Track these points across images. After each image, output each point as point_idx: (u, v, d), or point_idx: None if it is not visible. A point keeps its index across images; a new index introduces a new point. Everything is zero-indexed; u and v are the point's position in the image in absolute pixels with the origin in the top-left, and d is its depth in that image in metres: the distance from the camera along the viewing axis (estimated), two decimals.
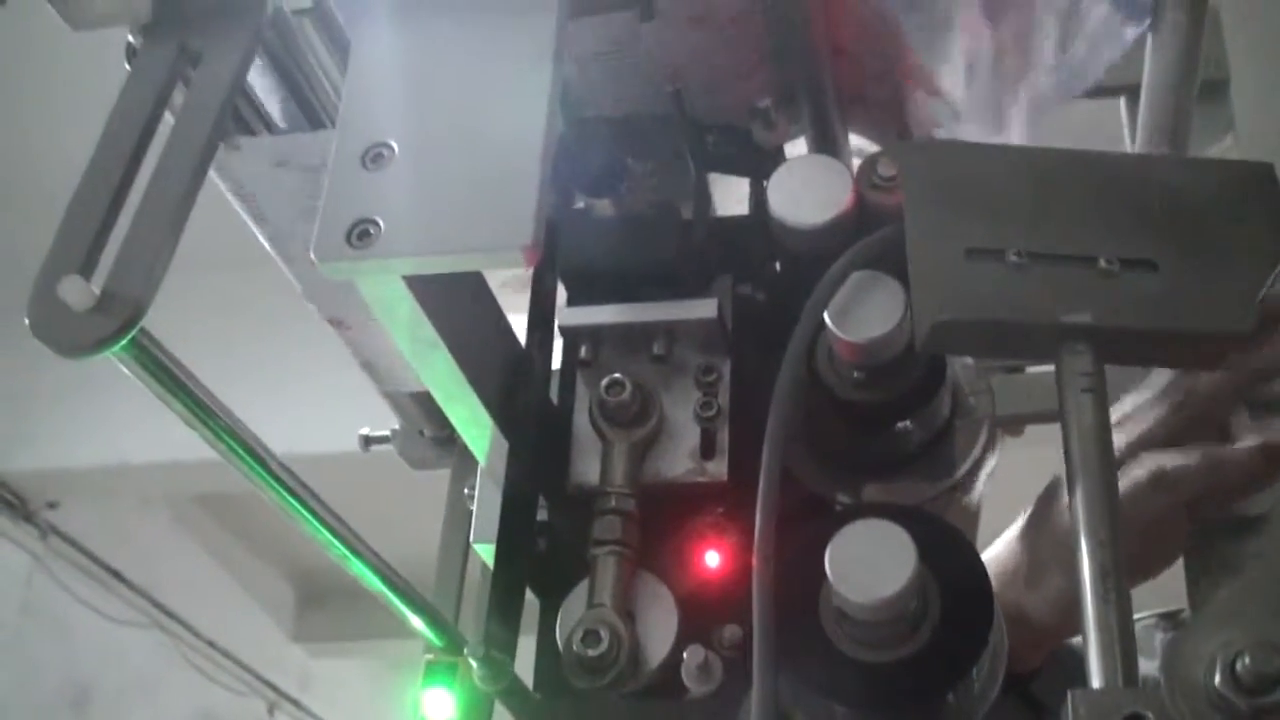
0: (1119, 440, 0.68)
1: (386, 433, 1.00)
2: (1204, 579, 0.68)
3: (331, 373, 0.95)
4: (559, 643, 0.62)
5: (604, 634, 0.59)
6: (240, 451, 0.63)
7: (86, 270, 0.55)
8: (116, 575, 3.73)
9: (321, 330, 0.86)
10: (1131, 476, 0.67)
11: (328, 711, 4.67)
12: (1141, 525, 0.65)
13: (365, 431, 1.01)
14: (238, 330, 2.83)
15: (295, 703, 4.53)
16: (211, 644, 4.08)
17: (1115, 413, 0.71)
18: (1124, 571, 0.49)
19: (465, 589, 0.98)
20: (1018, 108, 0.73)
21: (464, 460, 0.94)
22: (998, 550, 0.72)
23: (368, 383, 0.91)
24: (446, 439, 0.97)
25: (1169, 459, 0.67)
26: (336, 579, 4.35)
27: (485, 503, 0.74)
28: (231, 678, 4.20)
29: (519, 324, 0.70)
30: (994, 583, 0.69)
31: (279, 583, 4.48)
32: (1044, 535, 0.73)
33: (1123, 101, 0.95)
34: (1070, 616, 0.61)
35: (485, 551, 0.75)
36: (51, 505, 3.50)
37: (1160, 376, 0.70)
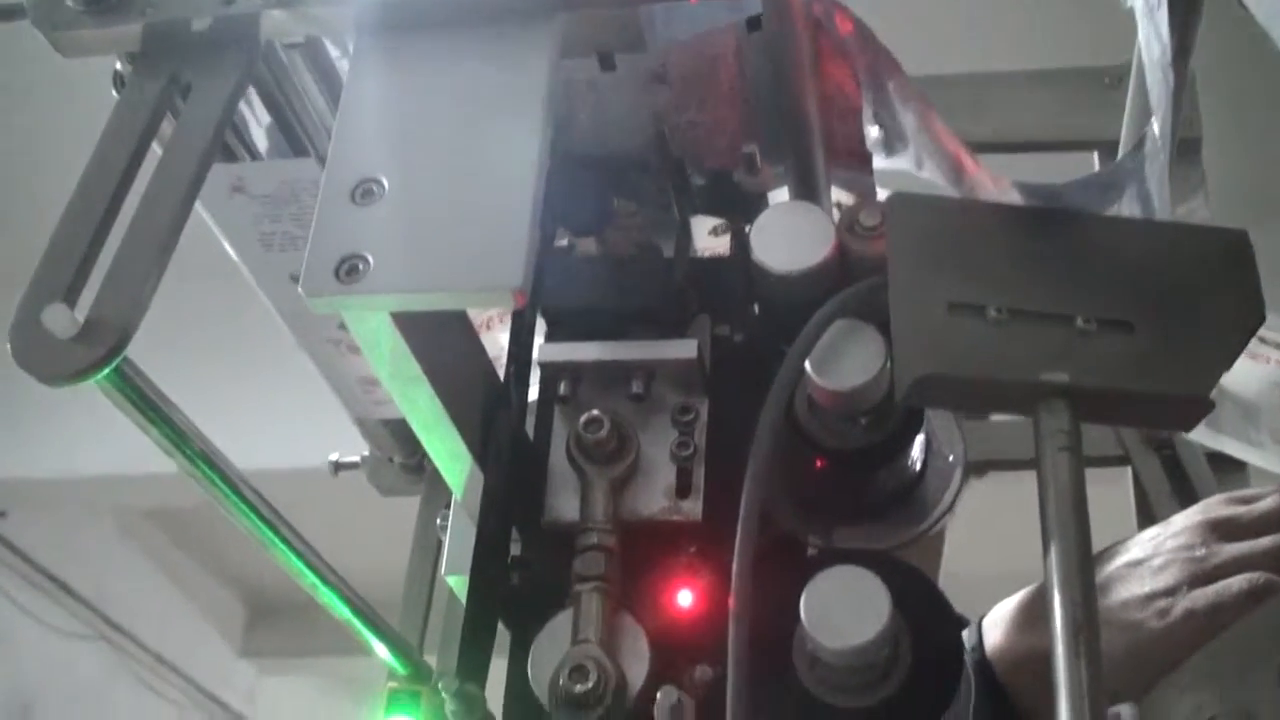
0: (1230, 549, 0.67)
1: (356, 459, 1.00)
2: None
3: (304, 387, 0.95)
4: (532, 678, 0.62)
5: (591, 669, 0.59)
6: (216, 480, 0.63)
7: (70, 298, 0.55)
8: (63, 587, 3.68)
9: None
10: (1227, 584, 0.65)
11: None
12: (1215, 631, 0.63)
13: (335, 457, 1.01)
14: (221, 339, 2.80)
15: (242, 719, 4.49)
16: (158, 658, 4.03)
17: (1226, 508, 0.70)
18: (1096, 629, 0.49)
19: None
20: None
21: (433, 488, 0.95)
22: (1023, 595, 0.72)
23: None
24: (416, 466, 0.97)
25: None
26: (285, 595, 4.33)
27: (458, 535, 0.74)
28: (178, 693, 4.16)
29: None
30: (1016, 628, 0.69)
31: (228, 598, 4.44)
32: None
33: (1096, 156, 0.97)
34: None
35: (457, 583, 0.75)
36: None
37: None
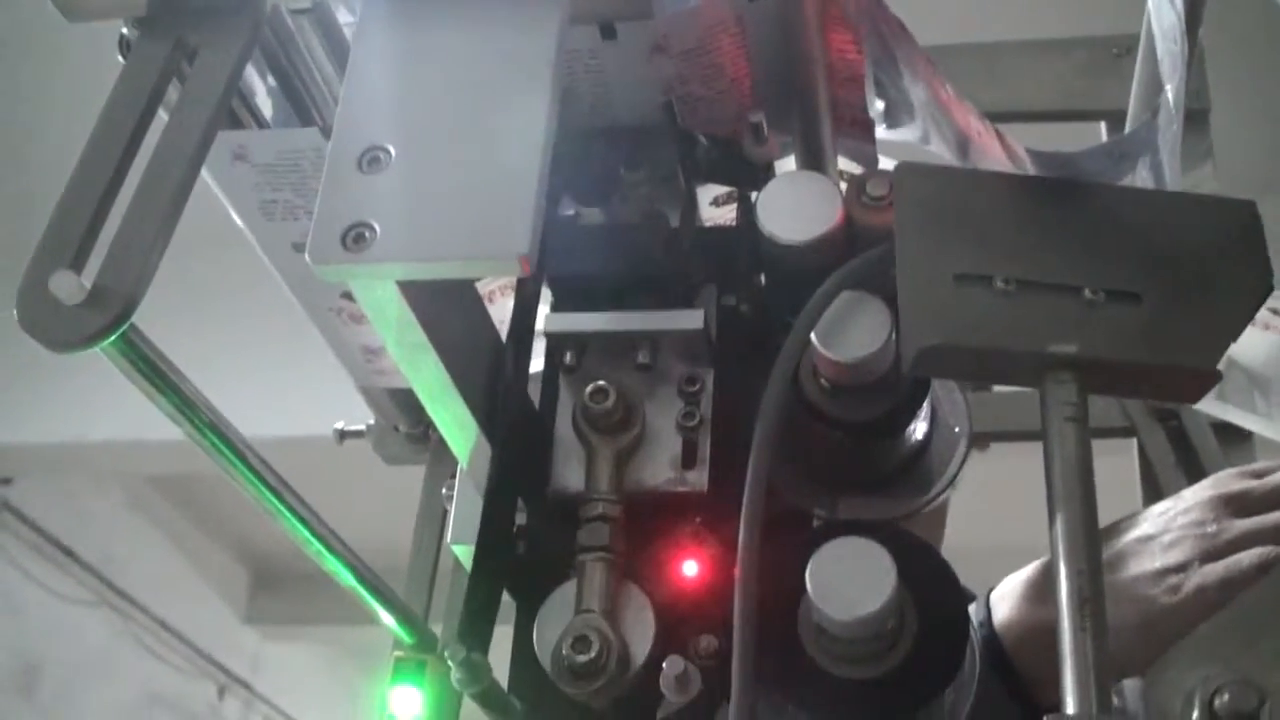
0: (1241, 524, 0.67)
1: (361, 427, 1.00)
2: None
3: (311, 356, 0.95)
4: (537, 648, 0.62)
5: (594, 640, 0.59)
6: (222, 447, 0.63)
7: (77, 265, 0.55)
8: (69, 553, 3.69)
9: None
10: (1238, 559, 0.65)
11: (278, 695, 4.65)
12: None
13: (340, 426, 1.01)
14: (218, 308, 2.79)
15: (246, 685, 4.51)
16: (163, 624, 4.05)
17: (1236, 482, 0.70)
18: (1102, 601, 0.49)
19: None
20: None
21: (438, 458, 0.95)
22: (1032, 569, 0.72)
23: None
24: (421, 435, 0.97)
25: None
26: (290, 563, 4.34)
27: (464, 504, 0.74)
28: (182, 659, 4.17)
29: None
30: (1025, 601, 0.69)
31: (232, 565, 4.46)
32: None
33: (1103, 126, 0.97)
34: None
35: (463, 553, 0.75)
36: (5, 481, 3.47)
37: None
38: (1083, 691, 0.48)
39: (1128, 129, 0.71)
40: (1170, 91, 0.64)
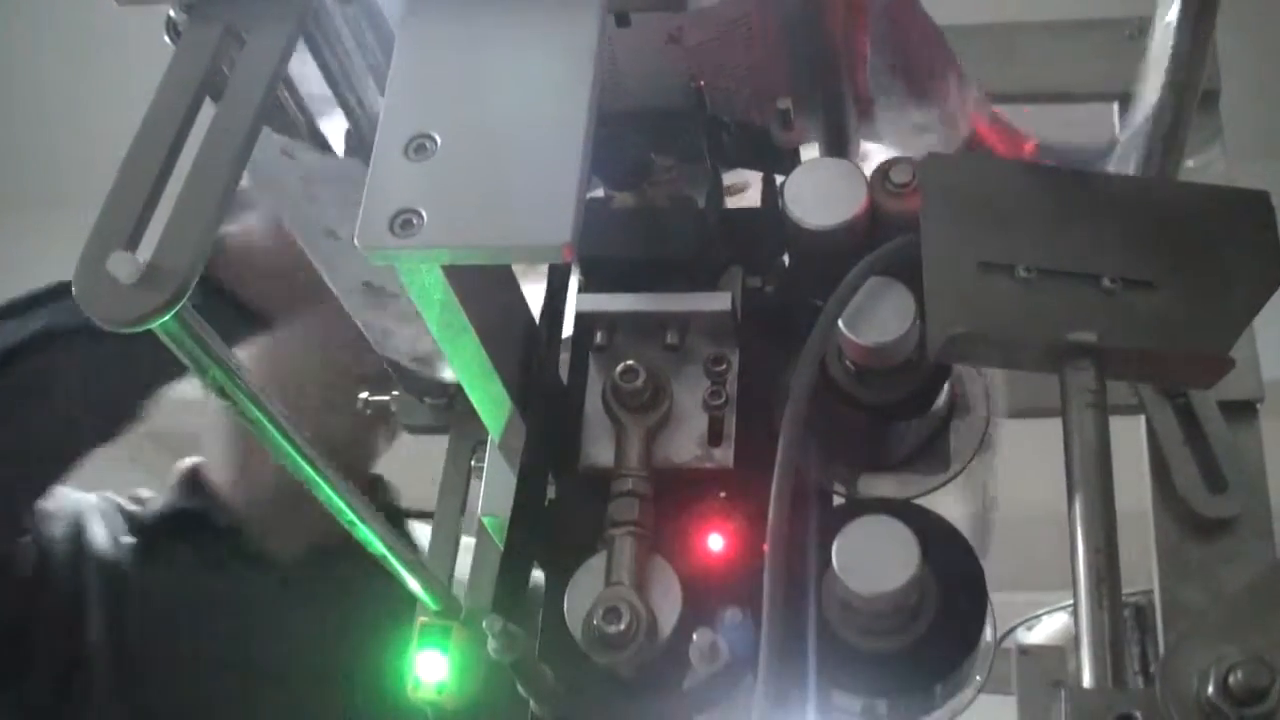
0: None
1: (385, 397, 1.01)
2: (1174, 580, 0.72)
3: None
4: (567, 618, 0.65)
5: (625, 611, 0.62)
6: (265, 421, 0.65)
7: (131, 245, 0.57)
8: None
9: None
10: None
11: None
12: None
13: (365, 395, 1.02)
14: None
15: None
16: None
17: None
18: (1118, 580, 0.52)
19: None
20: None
21: (462, 427, 0.96)
22: None
23: None
24: (445, 406, 0.98)
25: None
26: None
27: (495, 476, 0.76)
28: None
29: None
30: None
31: None
32: None
33: (1115, 107, 0.98)
34: None
35: (492, 524, 0.78)
36: None
37: None
38: (1099, 665, 0.50)
39: (1131, 109, 0.73)
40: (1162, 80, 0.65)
